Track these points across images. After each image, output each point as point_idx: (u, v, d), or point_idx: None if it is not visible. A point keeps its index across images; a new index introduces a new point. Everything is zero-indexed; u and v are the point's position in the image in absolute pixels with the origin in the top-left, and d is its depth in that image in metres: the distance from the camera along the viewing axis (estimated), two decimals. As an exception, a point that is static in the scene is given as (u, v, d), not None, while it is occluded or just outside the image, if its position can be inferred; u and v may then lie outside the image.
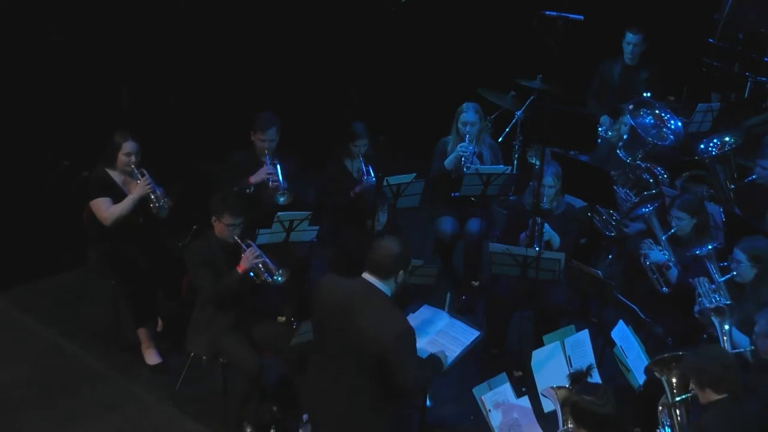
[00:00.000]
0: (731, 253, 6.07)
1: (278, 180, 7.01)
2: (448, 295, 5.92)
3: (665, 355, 5.27)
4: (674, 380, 5.16)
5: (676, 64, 8.92)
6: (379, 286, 5.03)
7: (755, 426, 4.90)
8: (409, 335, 4.99)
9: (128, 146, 6.72)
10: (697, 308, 5.95)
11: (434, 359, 5.33)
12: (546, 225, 6.56)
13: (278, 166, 7.04)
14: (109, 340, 6.96)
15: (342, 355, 5.02)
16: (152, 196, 6.73)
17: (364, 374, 4.98)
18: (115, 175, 6.78)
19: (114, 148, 6.72)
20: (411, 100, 9.49)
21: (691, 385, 4.95)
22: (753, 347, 5.42)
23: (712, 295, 5.93)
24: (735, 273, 6.01)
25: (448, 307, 5.85)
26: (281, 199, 7.01)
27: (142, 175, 6.71)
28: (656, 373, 5.24)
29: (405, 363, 4.94)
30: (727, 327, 5.72)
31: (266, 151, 7.06)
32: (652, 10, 9.15)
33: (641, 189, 7.47)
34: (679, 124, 7.71)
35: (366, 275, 5.07)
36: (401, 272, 5.07)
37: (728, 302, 5.81)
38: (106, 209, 6.69)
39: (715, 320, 5.74)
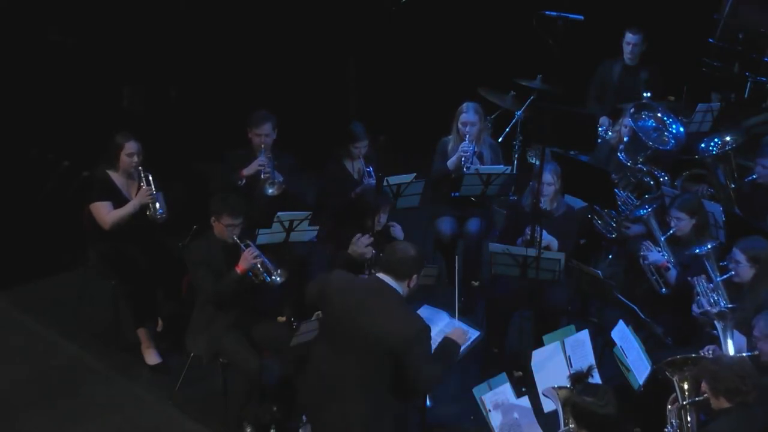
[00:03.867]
0: (730, 252, 6.07)
1: (269, 171, 7.02)
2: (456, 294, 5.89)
3: (678, 356, 5.26)
4: (686, 384, 5.15)
5: (676, 64, 8.92)
6: (395, 287, 5.04)
7: (764, 429, 4.89)
8: (427, 334, 5.02)
9: (130, 146, 6.71)
10: (695, 308, 5.95)
11: (444, 349, 5.28)
12: (544, 232, 6.53)
13: (272, 160, 7.05)
14: (109, 340, 6.96)
15: (352, 353, 4.99)
16: (151, 206, 6.71)
17: (376, 374, 4.96)
18: (116, 177, 6.77)
19: (116, 148, 6.71)
20: (411, 100, 9.49)
21: (704, 388, 4.94)
22: (756, 352, 5.38)
23: (710, 294, 5.93)
24: (733, 273, 6.01)
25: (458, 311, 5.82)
26: (269, 190, 7.02)
27: (147, 182, 6.69)
28: (668, 373, 5.23)
29: (419, 362, 4.94)
30: (729, 332, 5.71)
31: (262, 146, 7.07)
32: (652, 10, 9.15)
33: (642, 192, 7.47)
34: (681, 129, 7.69)
35: (381, 275, 5.07)
36: (415, 276, 5.09)
37: (730, 305, 5.80)
38: (105, 213, 6.69)
39: (719, 325, 5.72)
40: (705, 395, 4.93)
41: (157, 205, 6.70)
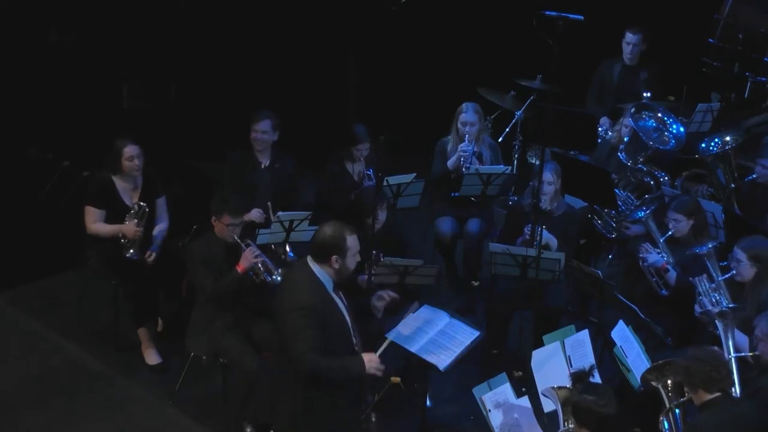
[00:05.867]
0: (731, 252, 6.07)
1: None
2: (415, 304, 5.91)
3: (659, 362, 5.27)
4: (669, 385, 5.15)
5: (676, 64, 8.92)
6: (315, 270, 5.04)
7: (754, 426, 4.89)
8: (307, 312, 4.91)
9: (129, 150, 6.70)
10: (697, 307, 5.95)
11: (353, 360, 5.11)
12: (544, 230, 6.52)
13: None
14: (109, 340, 6.96)
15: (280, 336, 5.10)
16: (128, 242, 6.68)
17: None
18: (119, 182, 6.76)
19: (116, 154, 6.70)
20: (411, 100, 9.49)
21: (686, 388, 4.95)
22: (756, 352, 5.38)
23: (712, 294, 5.93)
24: (734, 272, 6.02)
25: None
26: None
27: (140, 217, 6.66)
28: (653, 382, 5.24)
29: (295, 337, 4.90)
30: (730, 332, 5.71)
31: (260, 145, 7.01)
32: (652, 10, 9.15)
33: (642, 192, 7.47)
34: (681, 129, 7.69)
35: (308, 258, 5.12)
36: (335, 257, 5.01)
37: (732, 305, 5.80)
38: (93, 221, 6.72)
39: (719, 323, 5.72)
40: (688, 395, 4.94)
41: (131, 251, 6.67)
